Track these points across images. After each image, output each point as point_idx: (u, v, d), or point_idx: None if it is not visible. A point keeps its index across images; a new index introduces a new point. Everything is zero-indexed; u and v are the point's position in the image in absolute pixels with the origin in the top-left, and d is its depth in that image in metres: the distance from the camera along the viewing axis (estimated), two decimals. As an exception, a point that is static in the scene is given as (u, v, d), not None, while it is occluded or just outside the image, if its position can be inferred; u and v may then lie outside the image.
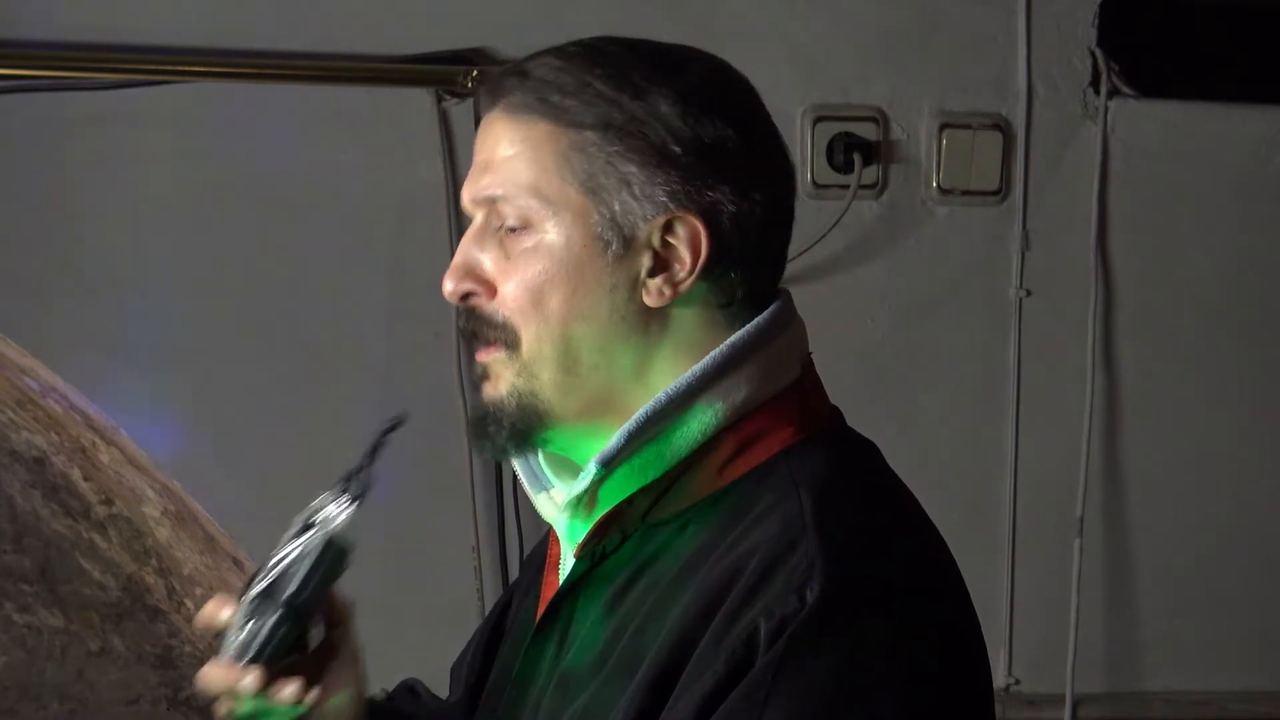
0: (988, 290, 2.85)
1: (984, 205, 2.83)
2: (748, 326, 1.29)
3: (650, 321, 1.28)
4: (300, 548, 1.28)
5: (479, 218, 1.31)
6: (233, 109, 2.64)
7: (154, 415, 2.48)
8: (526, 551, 2.74)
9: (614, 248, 1.26)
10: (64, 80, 2.59)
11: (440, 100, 2.67)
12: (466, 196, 1.31)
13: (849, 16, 2.76)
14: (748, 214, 1.28)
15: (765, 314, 1.30)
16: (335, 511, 1.29)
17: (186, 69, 2.60)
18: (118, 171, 2.62)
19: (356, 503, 1.29)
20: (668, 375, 1.27)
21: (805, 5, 2.75)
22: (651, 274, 1.27)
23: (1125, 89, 2.82)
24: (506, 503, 2.75)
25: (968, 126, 2.79)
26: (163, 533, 1.88)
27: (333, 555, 1.28)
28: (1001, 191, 2.82)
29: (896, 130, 2.79)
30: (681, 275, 1.27)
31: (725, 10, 2.71)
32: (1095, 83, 2.82)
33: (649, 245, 1.27)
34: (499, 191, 1.28)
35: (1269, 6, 2.85)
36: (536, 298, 1.27)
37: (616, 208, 1.26)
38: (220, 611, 1.30)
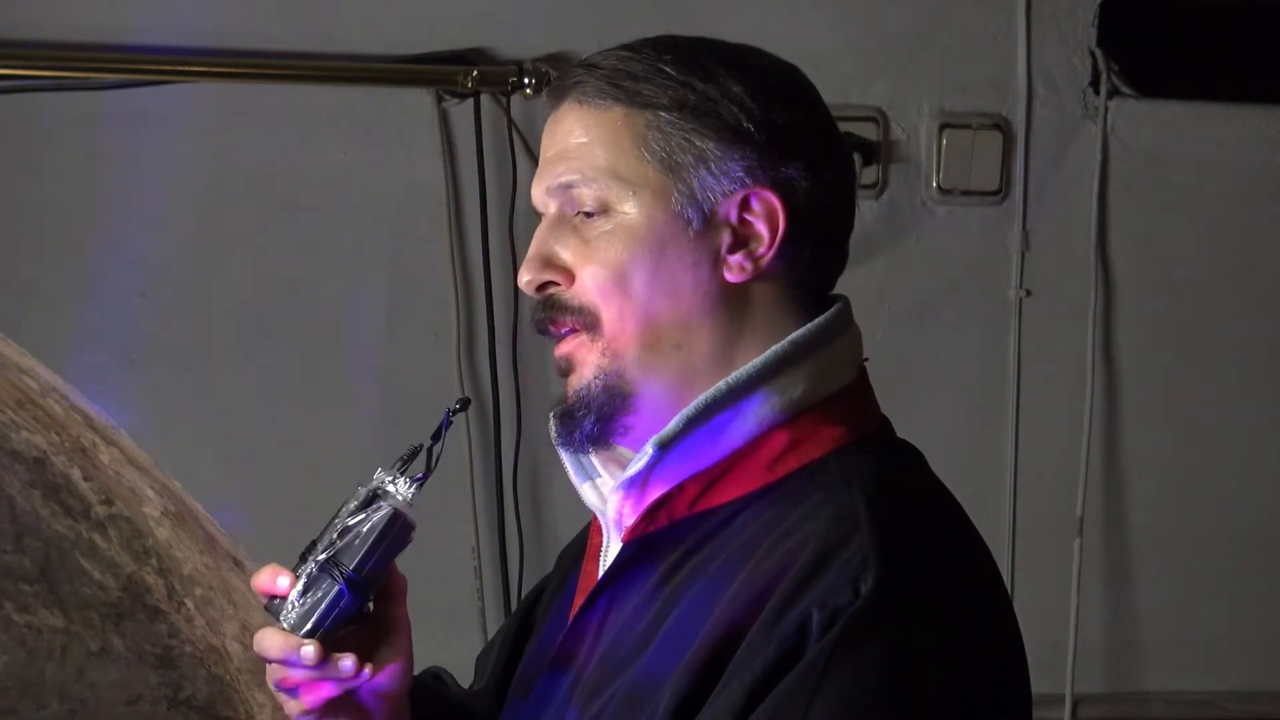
0: (988, 290, 2.85)
1: (984, 205, 2.83)
2: (809, 325, 1.30)
3: (732, 299, 1.29)
4: (365, 520, 1.28)
5: (553, 208, 1.31)
6: (233, 109, 2.64)
7: (154, 415, 2.48)
8: (526, 552, 2.75)
9: (694, 224, 1.28)
10: (64, 80, 2.59)
11: (440, 100, 2.67)
12: (539, 189, 1.32)
13: (849, 16, 2.76)
14: (819, 192, 1.30)
15: (827, 314, 1.31)
16: (402, 487, 1.30)
17: (186, 69, 2.60)
18: (118, 171, 2.62)
19: (422, 480, 1.30)
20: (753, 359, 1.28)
21: (805, 5, 2.75)
22: (731, 250, 1.28)
23: (1125, 89, 2.82)
24: (506, 503, 2.75)
25: (968, 126, 2.79)
26: (163, 533, 1.88)
27: (397, 530, 1.29)
28: (1001, 191, 2.82)
29: (896, 130, 2.79)
30: (761, 250, 1.28)
31: (725, 10, 2.71)
32: (1095, 83, 2.82)
33: (728, 221, 1.28)
34: (575, 177, 1.29)
35: (1269, 6, 2.84)
36: (619, 278, 1.27)
37: (695, 184, 1.27)
38: (277, 578, 1.30)
